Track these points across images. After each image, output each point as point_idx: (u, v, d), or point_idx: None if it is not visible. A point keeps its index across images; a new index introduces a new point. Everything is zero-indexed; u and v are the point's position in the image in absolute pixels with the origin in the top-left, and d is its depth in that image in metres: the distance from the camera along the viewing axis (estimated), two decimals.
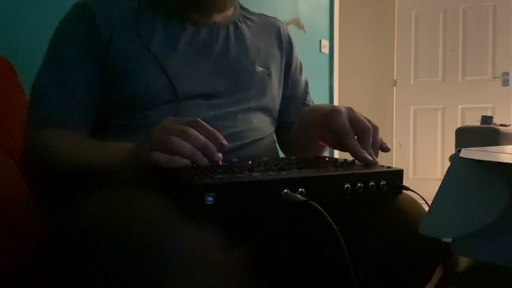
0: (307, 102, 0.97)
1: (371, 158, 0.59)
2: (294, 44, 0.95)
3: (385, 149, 0.64)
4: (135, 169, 0.53)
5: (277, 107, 0.89)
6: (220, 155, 0.53)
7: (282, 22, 0.96)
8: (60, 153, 0.65)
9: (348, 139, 0.60)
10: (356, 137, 0.62)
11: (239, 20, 0.86)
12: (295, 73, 0.95)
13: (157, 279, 0.39)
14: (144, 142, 0.53)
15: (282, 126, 0.92)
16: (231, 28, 0.83)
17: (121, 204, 0.47)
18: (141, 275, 0.39)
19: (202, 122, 0.53)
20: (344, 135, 0.61)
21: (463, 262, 0.53)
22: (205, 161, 0.52)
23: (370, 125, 0.61)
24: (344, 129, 0.61)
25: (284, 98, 0.92)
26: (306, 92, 0.98)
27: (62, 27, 0.75)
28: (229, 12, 0.85)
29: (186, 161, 0.51)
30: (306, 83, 0.98)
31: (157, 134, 0.52)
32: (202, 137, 0.52)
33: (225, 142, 0.53)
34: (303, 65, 1.00)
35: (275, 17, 0.97)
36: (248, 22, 0.88)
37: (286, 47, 0.92)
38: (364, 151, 0.59)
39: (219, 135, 0.53)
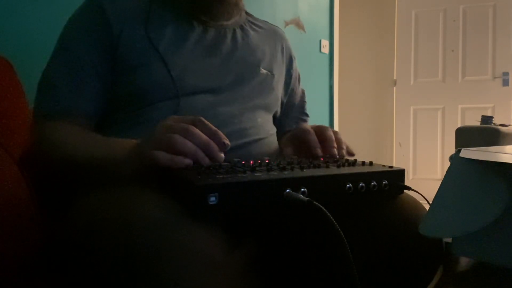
0: (305, 111, 1.00)
1: (321, 153, 0.64)
2: (294, 55, 0.98)
3: (350, 154, 0.69)
4: (137, 166, 0.53)
5: (279, 110, 0.91)
6: (222, 155, 0.53)
7: (283, 32, 1.00)
8: (66, 146, 0.65)
9: (308, 135, 0.65)
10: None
11: (245, 24, 0.89)
12: (295, 83, 0.98)
13: (159, 279, 0.39)
14: (147, 140, 0.54)
15: (278, 134, 0.93)
16: (238, 30, 0.85)
17: (123, 204, 0.47)
18: (143, 275, 0.39)
19: (205, 121, 0.53)
20: (306, 133, 0.66)
21: (463, 262, 0.53)
22: (206, 161, 0.52)
23: (329, 128, 0.67)
24: (307, 129, 0.66)
25: (283, 106, 0.94)
26: (303, 101, 1.01)
27: (73, 21, 0.76)
28: (236, 17, 0.87)
29: (188, 161, 0.51)
30: (303, 93, 1.02)
31: (160, 133, 0.52)
32: (204, 136, 0.52)
33: (227, 142, 0.53)
34: (303, 65, 1.03)
35: (277, 26, 1.00)
36: (254, 27, 0.91)
37: (287, 57, 0.95)
38: (318, 146, 0.64)
39: (222, 134, 0.53)
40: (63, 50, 0.74)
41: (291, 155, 0.70)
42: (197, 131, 0.51)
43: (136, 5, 0.76)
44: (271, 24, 0.98)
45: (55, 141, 0.66)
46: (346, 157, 0.67)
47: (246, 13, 0.93)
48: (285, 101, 0.95)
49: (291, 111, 0.97)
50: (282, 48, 0.94)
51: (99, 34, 0.72)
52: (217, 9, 0.80)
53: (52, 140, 0.67)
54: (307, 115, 1.02)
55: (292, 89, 0.96)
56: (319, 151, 0.64)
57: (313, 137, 0.65)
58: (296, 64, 0.99)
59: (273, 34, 0.94)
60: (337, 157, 0.65)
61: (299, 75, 1.01)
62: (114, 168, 0.56)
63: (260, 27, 0.92)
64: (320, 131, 0.67)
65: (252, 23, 0.91)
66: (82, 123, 0.71)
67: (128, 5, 0.75)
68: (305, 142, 0.65)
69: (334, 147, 0.65)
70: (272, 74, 0.87)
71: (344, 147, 0.67)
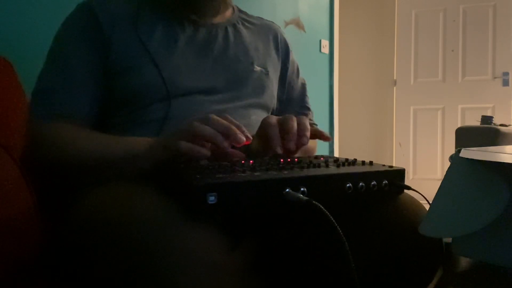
0: (306, 105, 0.98)
1: (280, 151, 0.60)
2: (290, 48, 0.96)
3: (326, 138, 0.65)
4: (160, 159, 0.55)
5: (276, 106, 0.90)
6: (243, 137, 0.54)
7: (279, 26, 0.98)
8: (73, 145, 0.65)
9: (270, 129, 0.61)
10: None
11: (238, 22, 0.88)
12: (292, 77, 0.96)
13: (158, 280, 0.39)
14: (172, 133, 0.56)
15: None
16: (230, 29, 0.85)
17: (122, 204, 0.47)
18: (142, 276, 0.39)
19: (229, 117, 0.55)
20: (268, 126, 0.61)
21: (463, 262, 0.53)
22: (226, 144, 0.53)
23: (293, 117, 0.62)
24: (270, 122, 0.61)
25: (281, 102, 0.93)
26: (303, 95, 0.99)
27: (66, 25, 0.76)
28: (227, 14, 0.86)
29: (206, 151, 0.52)
30: (303, 86, 1.00)
31: (184, 125, 0.55)
32: (224, 121, 0.54)
33: (249, 135, 0.54)
34: (303, 65, 1.01)
35: (272, 21, 0.99)
36: (247, 24, 0.90)
37: (282, 51, 0.94)
38: (279, 143, 0.60)
39: (244, 128, 0.55)
40: (57, 55, 0.74)
41: (256, 150, 0.66)
42: (216, 118, 0.54)
43: (125, 8, 0.76)
44: (266, 19, 0.96)
45: (58, 141, 0.66)
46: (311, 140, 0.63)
47: (240, 10, 0.92)
48: (283, 96, 0.93)
49: (290, 106, 0.95)
50: (277, 42, 0.93)
51: (92, 37, 0.72)
52: (204, 5, 0.79)
53: (55, 140, 0.67)
54: (308, 109, 0.99)
55: (289, 83, 0.95)
56: (279, 149, 0.60)
57: (275, 131, 0.60)
58: (294, 56, 0.97)
59: (267, 29, 0.93)
60: (295, 148, 0.60)
61: (297, 68, 0.98)
62: (135, 162, 0.58)
63: (253, 23, 0.91)
64: (282, 122, 0.62)
65: (245, 20, 0.90)
66: (79, 125, 0.70)
67: (117, 8, 0.75)
68: (268, 137, 0.61)
69: (293, 140, 0.60)
70: (266, 71, 0.86)
71: (307, 133, 0.61)
